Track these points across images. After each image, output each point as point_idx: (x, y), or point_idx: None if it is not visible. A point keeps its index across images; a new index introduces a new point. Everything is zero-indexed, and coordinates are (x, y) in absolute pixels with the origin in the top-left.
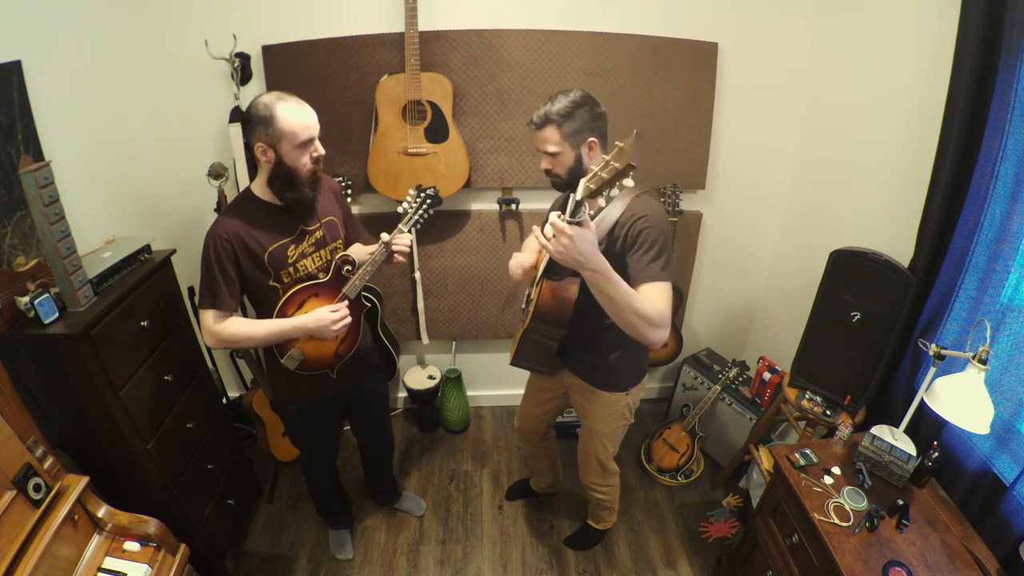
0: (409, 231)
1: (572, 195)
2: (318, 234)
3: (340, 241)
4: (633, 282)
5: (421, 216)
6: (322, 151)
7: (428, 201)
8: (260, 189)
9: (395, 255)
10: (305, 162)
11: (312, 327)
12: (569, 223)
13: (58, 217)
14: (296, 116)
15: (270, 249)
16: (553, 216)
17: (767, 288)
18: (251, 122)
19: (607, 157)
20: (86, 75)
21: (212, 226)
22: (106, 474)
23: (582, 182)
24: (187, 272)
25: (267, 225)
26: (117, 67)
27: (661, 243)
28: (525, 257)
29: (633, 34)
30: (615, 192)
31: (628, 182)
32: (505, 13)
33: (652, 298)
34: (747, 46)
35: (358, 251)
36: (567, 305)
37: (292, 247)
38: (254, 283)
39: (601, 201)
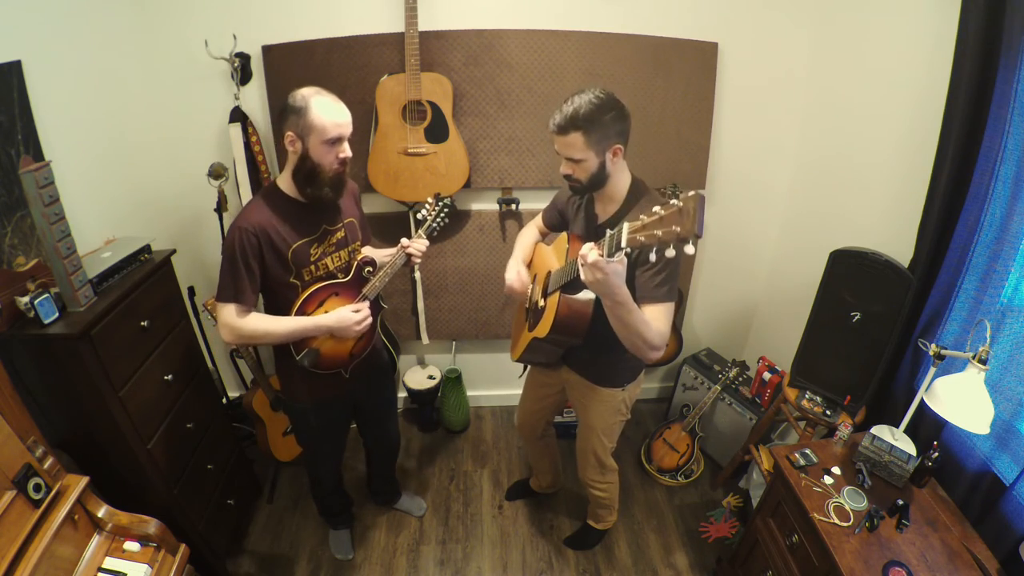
0: (426, 237)
1: (611, 232)
2: (339, 234)
3: (359, 243)
4: (638, 299)
5: (439, 224)
6: (349, 153)
7: (446, 210)
8: (285, 183)
9: (412, 258)
10: (331, 160)
11: (334, 326)
12: (608, 262)
13: (58, 217)
14: (329, 112)
15: (294, 246)
16: (591, 251)
17: (767, 288)
18: (286, 111)
19: (663, 212)
20: (86, 75)
21: (237, 218)
22: (106, 474)
23: (627, 228)
24: (187, 272)
25: (291, 221)
26: (117, 67)
27: (672, 266)
28: (523, 271)
29: (633, 34)
30: (670, 253)
31: (689, 248)
32: (505, 13)
33: (655, 318)
34: (747, 46)
35: (372, 253)
36: (584, 320)
37: (315, 245)
38: (274, 279)
39: (651, 256)
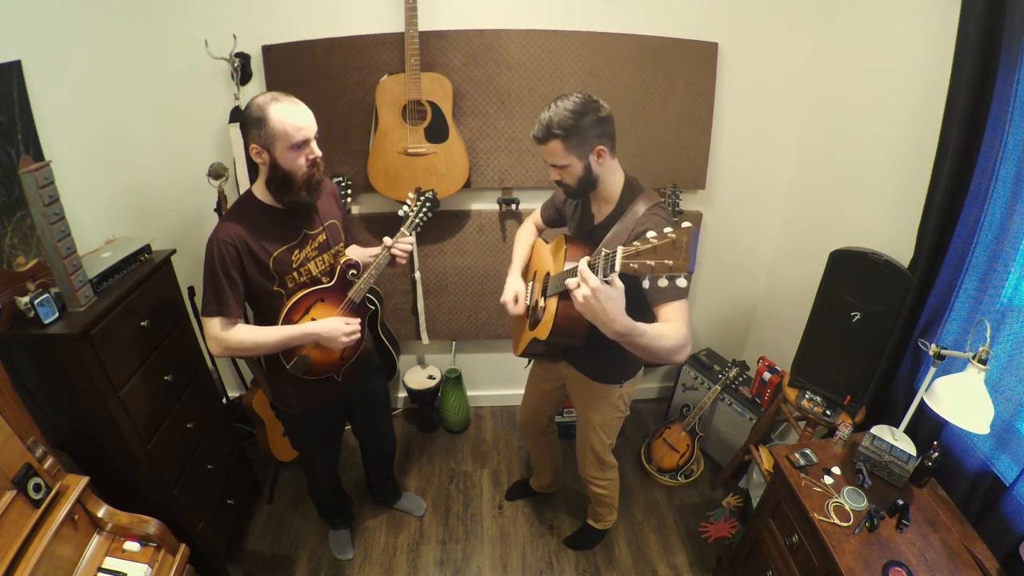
0: (410, 234)
1: (607, 252)
2: (320, 238)
3: (342, 244)
4: (651, 302)
5: (421, 219)
6: (318, 153)
7: (428, 204)
8: (260, 191)
9: (397, 258)
10: (300, 164)
11: (324, 334)
12: (603, 281)
13: (58, 217)
14: (289, 117)
15: (275, 254)
16: (583, 265)
17: (767, 288)
18: (246, 123)
19: (656, 242)
20: (86, 75)
21: (215, 231)
22: (106, 474)
23: (621, 252)
24: (187, 272)
25: (270, 229)
26: (117, 67)
27: None
28: (520, 290)
29: (633, 34)
30: (663, 283)
31: (680, 282)
32: (505, 13)
33: (673, 319)
34: (747, 46)
35: (358, 253)
36: (583, 324)
37: (296, 251)
38: (258, 289)
39: (645, 283)
